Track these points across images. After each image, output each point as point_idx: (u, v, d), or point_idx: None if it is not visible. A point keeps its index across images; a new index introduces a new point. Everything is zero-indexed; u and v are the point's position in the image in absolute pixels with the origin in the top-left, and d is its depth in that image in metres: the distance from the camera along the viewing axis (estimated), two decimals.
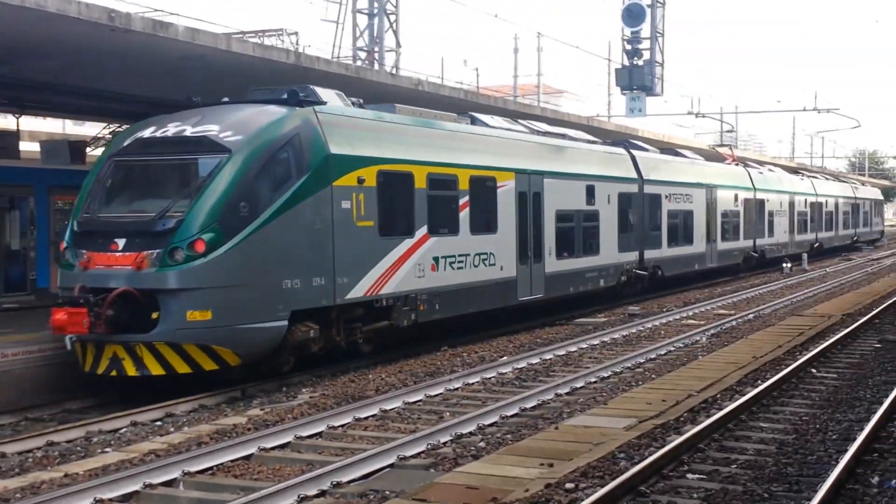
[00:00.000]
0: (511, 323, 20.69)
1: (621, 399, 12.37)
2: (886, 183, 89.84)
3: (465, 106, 21.52)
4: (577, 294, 22.46)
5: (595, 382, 14.11)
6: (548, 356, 16.54)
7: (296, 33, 37.07)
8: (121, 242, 13.05)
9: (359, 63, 30.50)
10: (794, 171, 51.96)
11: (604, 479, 8.69)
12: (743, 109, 61.29)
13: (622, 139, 28.96)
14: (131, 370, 12.86)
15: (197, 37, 14.83)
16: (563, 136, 23.13)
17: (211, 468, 9.64)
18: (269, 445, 10.43)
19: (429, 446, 10.28)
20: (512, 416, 11.93)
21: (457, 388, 13.83)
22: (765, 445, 10.16)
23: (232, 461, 9.89)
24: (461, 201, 17.76)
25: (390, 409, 12.39)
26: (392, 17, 31.64)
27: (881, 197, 73.47)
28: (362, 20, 31.34)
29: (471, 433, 11.03)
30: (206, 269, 12.79)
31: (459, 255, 17.66)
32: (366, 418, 11.94)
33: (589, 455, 9.41)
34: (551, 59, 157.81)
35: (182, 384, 13.27)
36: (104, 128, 23.58)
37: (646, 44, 28.53)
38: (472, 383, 14.23)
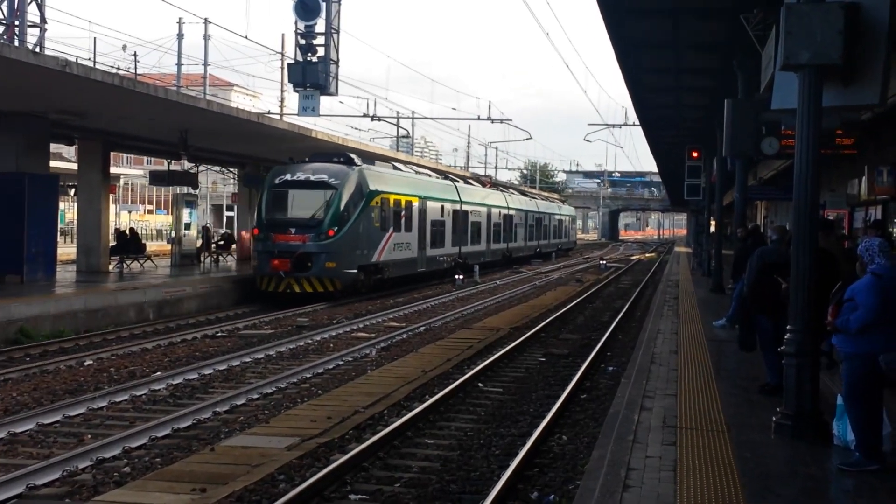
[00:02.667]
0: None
1: (285, 417, 12.42)
2: (557, 196, 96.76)
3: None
4: (435, 270, 37.94)
5: (257, 399, 14.02)
6: (207, 371, 16.24)
7: None
8: (293, 230, 27.87)
9: None
10: (523, 192, 67.20)
11: (260, 503, 8.68)
12: (419, 115, 62.89)
13: (445, 172, 46.93)
14: (297, 289, 27.71)
15: None
16: (428, 175, 39.58)
17: None
18: None
19: (65, 473, 9.78)
20: (163, 437, 11.60)
21: (102, 408, 13.25)
22: (429, 462, 10.55)
23: None
24: (402, 213, 33.14)
25: (21, 432, 11.67)
26: None
27: (575, 213, 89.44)
28: None
29: (115, 457, 10.61)
30: (334, 243, 27.94)
31: (401, 243, 33.09)
32: None
33: (246, 478, 9.34)
34: (221, 49, 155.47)
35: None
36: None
37: (320, 40, 28.77)
38: (120, 402, 13.69)
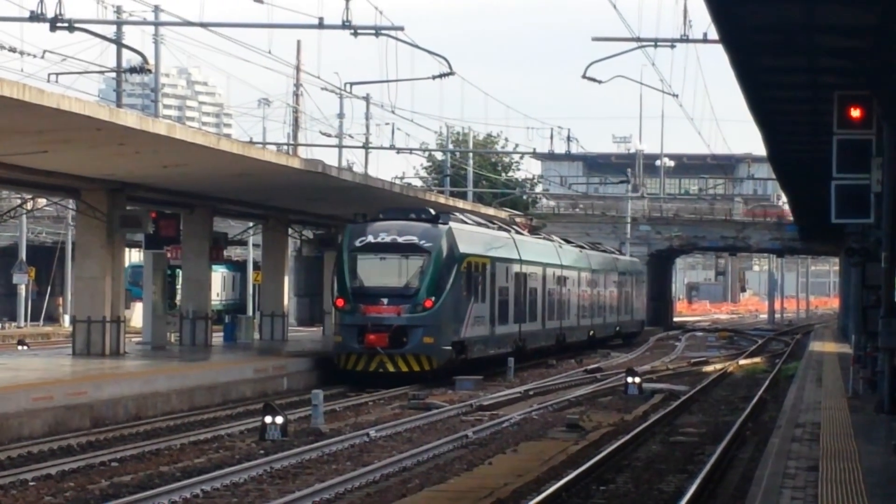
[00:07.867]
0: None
1: None
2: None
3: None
4: (501, 354, 38.63)
5: None
6: None
7: None
8: (385, 301, 31.50)
9: None
10: (566, 239, 53.85)
11: None
12: (171, 18, 39.38)
13: (490, 217, 45.51)
14: (391, 368, 31.10)
15: None
16: (487, 225, 40.48)
17: None
18: None
19: None
20: None
21: None
22: None
23: None
24: (480, 279, 36.39)
25: None
26: None
27: (642, 267, 65.77)
28: None
29: None
30: (432, 315, 31.53)
31: (480, 316, 36.05)
32: None
33: None
34: None
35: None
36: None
37: None
38: None
